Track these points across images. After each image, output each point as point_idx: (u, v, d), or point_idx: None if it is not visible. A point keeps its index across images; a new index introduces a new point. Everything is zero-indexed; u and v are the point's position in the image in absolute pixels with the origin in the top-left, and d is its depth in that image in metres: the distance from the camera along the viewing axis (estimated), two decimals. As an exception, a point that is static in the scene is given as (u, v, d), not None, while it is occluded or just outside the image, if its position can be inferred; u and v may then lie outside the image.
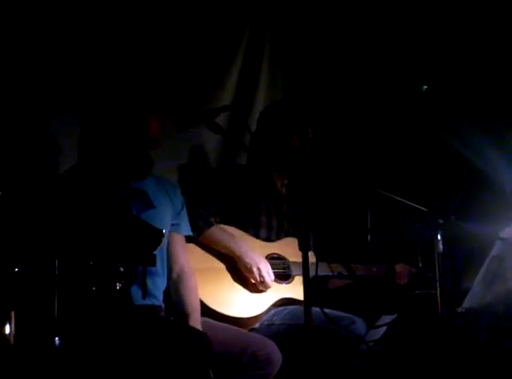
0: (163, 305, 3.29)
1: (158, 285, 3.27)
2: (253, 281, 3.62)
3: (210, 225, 3.64)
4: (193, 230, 3.53)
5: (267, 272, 3.63)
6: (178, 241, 3.45)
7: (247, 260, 3.62)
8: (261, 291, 3.65)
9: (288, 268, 3.77)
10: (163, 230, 2.80)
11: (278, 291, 3.71)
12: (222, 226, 3.72)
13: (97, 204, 3.01)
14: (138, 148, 3.24)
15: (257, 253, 3.67)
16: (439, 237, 3.22)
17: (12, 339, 2.52)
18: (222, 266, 3.67)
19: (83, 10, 3.78)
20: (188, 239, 3.52)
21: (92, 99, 3.30)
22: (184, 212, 3.47)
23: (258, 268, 3.61)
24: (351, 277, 3.91)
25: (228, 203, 3.76)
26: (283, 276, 3.75)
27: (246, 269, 3.62)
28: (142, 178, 3.29)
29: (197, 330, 3.16)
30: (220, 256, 3.66)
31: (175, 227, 3.42)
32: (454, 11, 4.49)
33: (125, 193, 3.10)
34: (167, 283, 3.37)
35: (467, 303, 3.41)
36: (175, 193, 3.47)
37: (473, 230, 3.49)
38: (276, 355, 3.31)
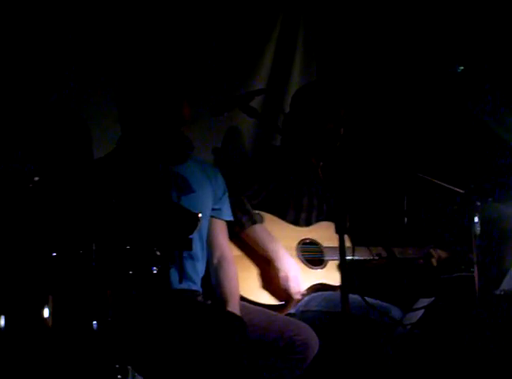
0: (200, 290, 3.29)
1: (197, 269, 3.28)
2: (281, 287, 3.59)
3: (254, 223, 3.62)
4: (236, 224, 3.53)
5: (296, 284, 3.58)
6: (220, 226, 3.45)
7: (281, 267, 3.57)
8: (285, 298, 3.61)
9: (321, 253, 3.75)
10: (199, 214, 2.80)
11: (312, 277, 3.70)
12: (262, 213, 3.71)
13: (135, 188, 3.02)
14: (174, 129, 3.25)
15: (291, 261, 3.63)
16: (477, 219, 3.19)
17: (50, 322, 2.55)
18: (254, 253, 3.65)
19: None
20: (229, 231, 3.52)
21: (127, 83, 3.31)
22: (226, 197, 3.47)
23: (287, 279, 3.56)
24: (388, 259, 3.88)
25: (269, 190, 3.75)
26: (316, 262, 3.74)
27: (277, 276, 3.59)
28: (182, 162, 3.30)
29: (233, 314, 3.16)
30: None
31: (216, 211, 3.42)
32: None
33: (164, 177, 3.10)
34: (207, 268, 3.37)
35: (505, 285, 3.39)
36: (215, 177, 3.47)
37: (510, 211, 3.46)
38: (313, 340, 3.29)
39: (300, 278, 3.60)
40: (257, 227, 3.63)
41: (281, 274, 3.56)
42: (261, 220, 3.68)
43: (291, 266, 3.59)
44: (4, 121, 3.30)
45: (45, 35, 3.50)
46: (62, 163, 3.35)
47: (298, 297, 3.59)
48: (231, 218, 3.49)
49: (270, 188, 3.74)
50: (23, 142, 3.32)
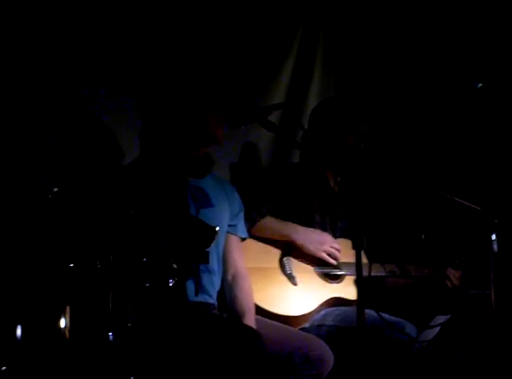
0: (216, 303, 3.29)
1: (214, 283, 3.28)
2: (323, 258, 3.66)
3: (263, 215, 3.64)
4: (247, 221, 3.54)
5: (332, 246, 3.67)
6: (235, 242, 3.45)
7: (304, 237, 3.66)
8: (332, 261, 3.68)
9: (338, 268, 3.75)
10: (217, 228, 2.80)
11: (328, 290, 3.70)
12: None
13: (154, 200, 3.03)
14: (198, 144, 3.26)
15: (314, 230, 3.70)
16: (494, 237, 3.18)
17: (67, 333, 2.55)
18: (271, 265, 3.66)
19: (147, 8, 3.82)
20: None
21: (152, 95, 3.32)
22: (241, 215, 3.48)
23: (324, 245, 3.65)
24: (404, 277, 3.87)
25: (281, 201, 3.75)
26: (333, 276, 3.74)
27: (307, 246, 3.64)
28: (203, 176, 3.31)
29: (250, 327, 3.17)
30: (273, 248, 3.67)
31: (231, 228, 3.43)
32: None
33: (184, 190, 3.11)
34: (222, 285, 3.37)
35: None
36: (232, 194, 3.48)
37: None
38: (328, 355, 3.28)
39: (329, 237, 3.71)
40: (268, 219, 3.67)
41: (311, 247, 3.61)
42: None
43: (316, 234, 3.68)
44: (26, 129, 3.32)
45: (73, 45, 3.52)
46: (82, 174, 3.37)
47: (338, 247, 3.67)
48: (246, 235, 3.51)
49: (274, 201, 3.74)
50: (45, 151, 3.33)
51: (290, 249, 3.69)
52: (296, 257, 3.70)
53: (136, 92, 3.63)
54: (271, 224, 3.67)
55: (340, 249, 3.69)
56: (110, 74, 3.66)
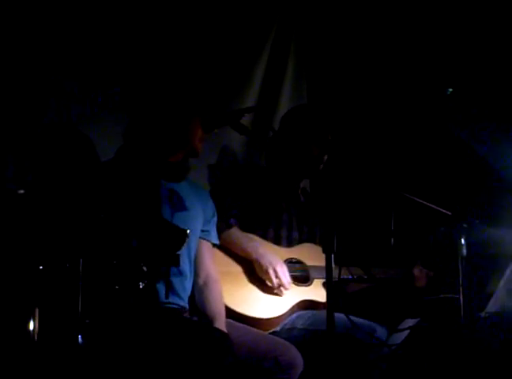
0: (187, 306, 3.29)
1: (185, 286, 3.27)
2: (269, 284, 3.63)
3: (229, 227, 3.65)
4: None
5: (283, 273, 3.63)
6: (206, 248, 3.46)
7: (263, 261, 3.63)
8: (277, 294, 3.65)
9: (307, 271, 3.77)
10: (188, 231, 2.80)
11: (298, 293, 3.71)
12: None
13: (125, 202, 3.02)
14: (176, 150, 3.25)
15: (274, 255, 3.68)
16: (463, 241, 3.20)
17: (36, 335, 2.54)
18: (240, 269, 3.68)
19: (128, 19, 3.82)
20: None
21: (138, 98, 3.31)
22: (214, 220, 3.48)
23: (275, 270, 3.61)
24: (370, 280, 3.90)
25: (249, 203, 3.76)
26: (302, 279, 3.75)
27: (262, 271, 3.63)
28: (178, 181, 3.31)
29: (221, 330, 3.17)
30: (237, 258, 3.68)
31: (204, 233, 3.43)
32: (476, 16, 4.48)
33: (157, 193, 3.11)
34: (193, 289, 3.37)
35: (490, 308, 3.39)
36: (207, 199, 3.48)
37: (497, 234, 3.47)
38: (298, 360, 3.30)
39: (286, 270, 3.65)
40: (233, 231, 3.67)
41: (267, 269, 3.61)
42: (236, 224, 3.71)
43: (274, 260, 3.64)
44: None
45: (50, 48, 3.50)
46: (52, 175, 3.35)
47: (288, 287, 3.63)
48: (217, 241, 3.51)
49: (244, 204, 3.75)
50: (16, 153, 3.31)
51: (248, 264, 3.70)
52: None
53: (122, 94, 3.63)
54: (234, 237, 3.67)
55: (287, 279, 3.66)
56: (90, 79, 3.66)
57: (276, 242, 3.85)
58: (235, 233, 3.68)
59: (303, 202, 3.99)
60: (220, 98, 4.19)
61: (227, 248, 3.66)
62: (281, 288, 3.63)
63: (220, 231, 3.57)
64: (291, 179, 3.95)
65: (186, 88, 3.33)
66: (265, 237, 3.81)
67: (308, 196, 4.07)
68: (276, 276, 3.61)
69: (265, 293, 3.65)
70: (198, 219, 3.36)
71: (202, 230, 3.41)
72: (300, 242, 3.91)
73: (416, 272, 3.98)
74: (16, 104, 3.37)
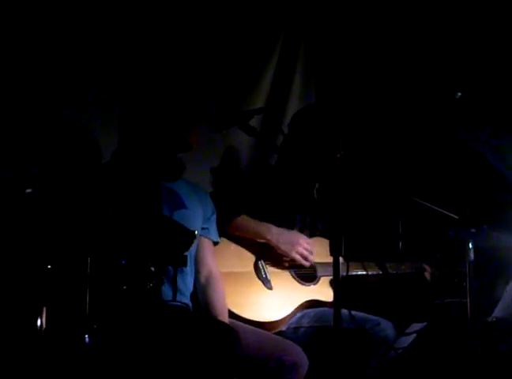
0: (190, 304, 3.30)
1: (187, 284, 3.29)
2: (296, 259, 3.66)
3: (239, 214, 3.65)
4: (223, 221, 3.54)
5: (305, 247, 3.67)
6: (207, 245, 3.46)
7: (282, 241, 3.66)
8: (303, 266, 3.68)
9: (314, 269, 3.76)
10: (196, 232, 2.81)
11: (303, 293, 3.71)
12: None
13: (131, 202, 3.02)
14: (171, 149, 3.26)
15: (290, 230, 3.71)
16: (471, 245, 3.20)
17: (43, 334, 2.54)
18: (246, 270, 3.67)
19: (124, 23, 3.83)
20: (220, 233, 3.53)
21: (130, 99, 3.32)
22: (214, 218, 3.48)
23: (292, 248, 3.65)
24: (380, 274, 3.89)
25: (261, 201, 3.76)
26: (308, 278, 3.75)
27: (283, 252, 3.65)
28: (174, 180, 3.31)
29: (225, 323, 3.19)
30: (248, 250, 3.68)
31: (204, 231, 3.43)
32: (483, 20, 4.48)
33: (157, 192, 3.11)
34: (195, 287, 3.38)
35: (497, 313, 3.39)
36: (205, 197, 3.49)
37: (505, 239, 3.47)
38: (303, 361, 3.30)
39: (302, 238, 3.71)
40: (243, 217, 3.66)
41: (283, 247, 3.62)
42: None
43: (293, 235, 3.69)
44: (4, 128, 3.31)
45: (51, 46, 3.51)
46: (60, 175, 3.36)
47: (310, 255, 3.68)
48: (217, 239, 3.50)
49: (253, 202, 3.75)
50: (21, 151, 3.32)
51: (264, 252, 3.69)
52: (270, 259, 3.70)
53: (118, 97, 3.63)
54: (246, 223, 3.67)
55: (313, 251, 3.70)
56: (90, 77, 3.66)
57: None
58: (245, 219, 3.67)
59: (316, 200, 3.97)
60: (230, 99, 4.20)
61: (236, 236, 3.66)
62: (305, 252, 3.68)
63: (230, 219, 3.59)
64: (305, 179, 3.94)
65: (177, 84, 3.33)
66: None
67: (322, 194, 4.05)
68: (299, 253, 3.66)
69: (269, 294, 3.64)
70: (198, 217, 3.36)
71: (202, 228, 3.41)
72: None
73: (426, 267, 3.96)
74: (19, 101, 3.38)
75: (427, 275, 3.94)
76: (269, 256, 3.70)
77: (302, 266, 3.72)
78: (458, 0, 4.56)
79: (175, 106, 3.24)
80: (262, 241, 3.68)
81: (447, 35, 4.56)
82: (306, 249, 3.69)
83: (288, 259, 3.69)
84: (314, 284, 3.74)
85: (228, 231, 3.62)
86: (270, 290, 3.64)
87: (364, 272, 3.80)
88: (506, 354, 3.38)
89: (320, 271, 3.74)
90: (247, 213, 3.68)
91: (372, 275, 3.85)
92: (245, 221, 3.66)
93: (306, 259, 3.68)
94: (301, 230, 3.85)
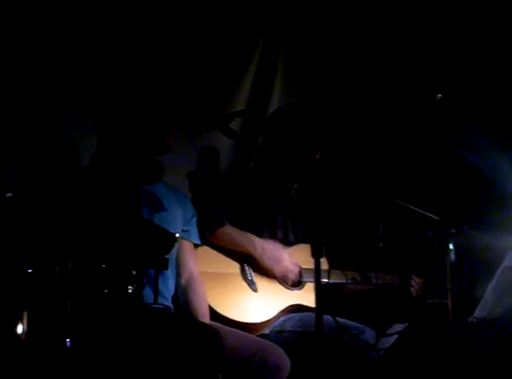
0: (172, 306, 3.30)
1: (168, 286, 3.29)
2: (277, 277, 3.66)
3: (222, 224, 3.64)
4: (205, 230, 3.54)
5: (289, 262, 3.69)
6: (188, 247, 3.47)
7: (266, 257, 3.66)
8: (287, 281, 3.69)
9: (299, 274, 3.76)
10: (177, 235, 2.80)
11: (288, 297, 3.71)
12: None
13: (110, 206, 3.01)
14: (151, 153, 3.25)
15: (272, 245, 3.70)
16: (451, 246, 3.21)
17: (24, 339, 2.53)
18: (232, 271, 3.67)
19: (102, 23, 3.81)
20: (201, 240, 3.53)
21: (107, 102, 3.31)
22: (194, 221, 3.49)
23: (281, 263, 3.67)
24: (364, 283, 3.89)
25: (242, 206, 3.76)
26: (294, 283, 3.75)
27: (266, 268, 3.66)
28: (154, 183, 3.30)
29: (205, 323, 3.19)
30: (225, 259, 3.67)
31: (185, 233, 3.43)
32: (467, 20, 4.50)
33: (136, 195, 3.11)
34: (175, 289, 3.38)
35: (478, 313, 3.40)
36: (185, 200, 3.50)
37: (486, 240, 3.48)
38: (285, 362, 3.29)
39: (287, 256, 3.71)
40: (227, 228, 3.66)
41: (266, 262, 3.62)
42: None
43: (274, 250, 3.68)
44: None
45: (29, 49, 3.51)
46: (40, 178, 3.34)
47: (296, 270, 3.69)
48: (198, 241, 3.51)
49: (235, 205, 3.74)
50: (0, 155, 3.31)
51: (249, 257, 3.69)
52: (254, 266, 3.70)
53: (94, 98, 3.62)
54: (228, 235, 3.66)
55: (295, 270, 3.71)
56: (67, 80, 3.66)
57: None
58: (230, 229, 3.67)
59: (296, 201, 3.97)
60: (210, 102, 4.19)
61: (219, 246, 3.65)
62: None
63: (213, 230, 3.58)
64: (284, 179, 3.94)
65: (154, 86, 3.33)
66: None
67: (301, 195, 4.05)
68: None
69: (256, 296, 3.64)
70: (178, 220, 3.37)
71: (183, 230, 3.41)
72: (297, 242, 3.90)
73: (414, 279, 3.97)
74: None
75: (413, 290, 3.94)
76: (254, 263, 3.70)
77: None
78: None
79: (151, 108, 3.24)
80: (245, 254, 3.68)
81: (427, 36, 4.58)
82: (287, 268, 3.69)
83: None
84: (299, 289, 3.75)
85: (210, 240, 3.62)
86: (255, 293, 3.64)
87: (345, 281, 3.80)
88: (488, 354, 3.40)
89: (305, 276, 3.75)
90: (228, 219, 3.68)
91: (353, 283, 3.86)
92: (227, 232, 3.66)
93: (287, 279, 3.69)
94: (285, 235, 3.85)
